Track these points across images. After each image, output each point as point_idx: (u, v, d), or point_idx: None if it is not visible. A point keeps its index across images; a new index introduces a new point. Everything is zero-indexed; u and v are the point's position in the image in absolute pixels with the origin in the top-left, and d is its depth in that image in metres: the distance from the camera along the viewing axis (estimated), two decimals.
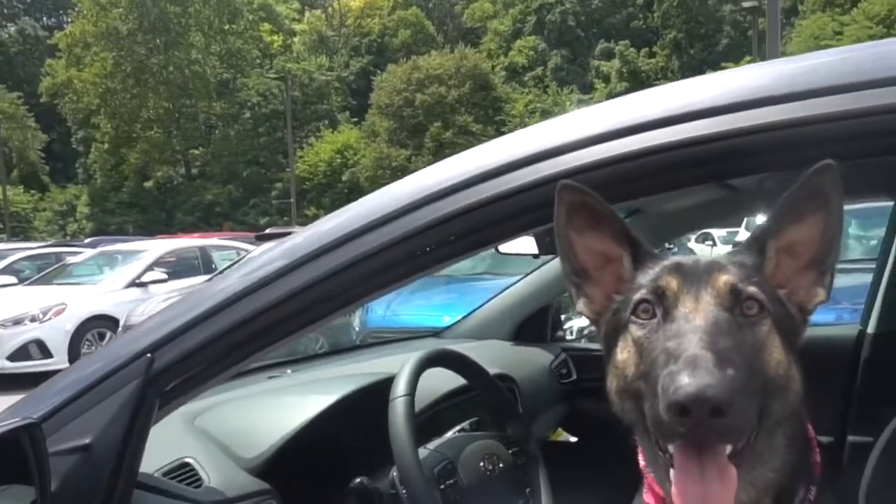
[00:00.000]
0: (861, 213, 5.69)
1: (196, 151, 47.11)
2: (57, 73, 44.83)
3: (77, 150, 49.20)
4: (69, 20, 49.78)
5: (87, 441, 1.10)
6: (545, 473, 1.83)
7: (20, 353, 9.07)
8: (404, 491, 1.47)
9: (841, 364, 2.21)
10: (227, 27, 45.60)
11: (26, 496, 1.04)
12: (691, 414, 0.70)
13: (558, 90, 48.54)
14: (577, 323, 3.46)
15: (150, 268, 10.45)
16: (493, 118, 44.29)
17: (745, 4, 19.95)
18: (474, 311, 2.78)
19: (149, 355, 1.12)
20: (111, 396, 1.12)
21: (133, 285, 10.10)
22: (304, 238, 1.14)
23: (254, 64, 47.35)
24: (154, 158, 45.15)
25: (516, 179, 1.02)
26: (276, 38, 52.17)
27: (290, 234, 1.30)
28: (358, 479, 1.53)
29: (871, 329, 2.26)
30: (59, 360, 8.92)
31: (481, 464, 1.68)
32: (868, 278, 2.51)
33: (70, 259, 12.50)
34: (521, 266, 3.28)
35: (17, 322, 9.21)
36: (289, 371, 2.12)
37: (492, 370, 1.93)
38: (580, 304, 0.95)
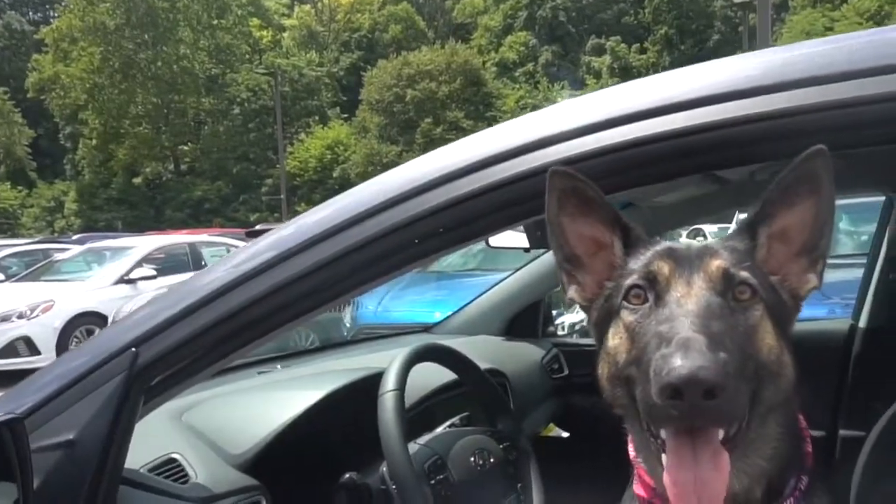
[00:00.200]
0: (852, 209, 5.73)
1: (185, 147, 46.86)
2: (44, 69, 44.47)
3: (65, 145, 48.84)
4: (56, 15, 49.46)
5: (70, 437, 1.09)
6: (536, 468, 1.83)
7: (7, 350, 9.05)
8: (394, 486, 1.47)
9: (832, 359, 2.22)
10: (215, 22, 45.31)
11: (9, 493, 1.03)
12: (684, 396, 0.70)
13: (549, 86, 48.62)
14: (568, 318, 3.46)
15: (138, 264, 10.44)
16: (484, 114, 44.30)
17: (736, 0, 20.02)
18: (465, 306, 2.78)
19: (133, 350, 1.11)
20: (95, 391, 1.11)
21: (122, 282, 10.09)
22: (291, 230, 1.13)
23: (243, 59, 47.09)
24: (143, 154, 44.86)
25: (505, 171, 1.01)
26: (265, 33, 51.88)
27: None
28: (347, 475, 1.53)
29: (862, 324, 2.27)
30: (47, 357, 8.86)
31: (472, 459, 1.67)
32: (859, 273, 2.52)
33: (58, 256, 12.48)
34: (512, 262, 3.27)
35: (5, 319, 9.20)
36: (278, 366, 2.11)
37: (483, 365, 1.93)
38: (571, 292, 0.94)
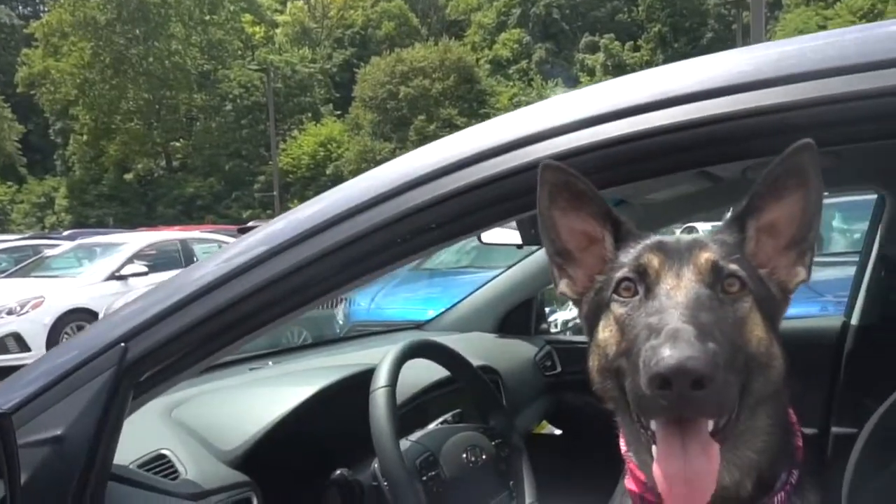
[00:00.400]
0: (844, 207, 5.76)
1: (177, 144, 46.66)
2: (33, 63, 44.11)
3: (55, 141, 48.52)
4: (45, 9, 49.07)
5: (58, 432, 1.08)
6: (529, 465, 1.83)
7: None
8: (385, 483, 1.47)
9: (825, 356, 2.23)
10: (207, 18, 45.10)
11: None
12: (673, 386, 0.71)
13: (543, 83, 48.62)
14: (561, 315, 3.46)
15: (129, 260, 10.41)
16: (478, 111, 44.26)
17: None
18: (458, 303, 2.78)
19: (122, 345, 1.10)
20: (84, 387, 1.10)
21: (112, 278, 10.06)
22: (282, 225, 1.13)
23: (235, 55, 46.90)
24: (134, 150, 44.65)
25: (497, 166, 1.01)
26: (257, 29, 51.68)
27: None
28: (339, 471, 1.53)
29: (854, 321, 2.28)
30: (37, 354, 8.77)
31: (464, 456, 1.68)
32: (852, 271, 2.53)
33: (48, 252, 12.40)
34: (505, 259, 3.28)
35: None
36: (270, 363, 2.10)
37: (475, 362, 1.93)
38: (562, 285, 0.95)
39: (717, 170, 1.37)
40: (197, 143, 45.98)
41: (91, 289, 9.82)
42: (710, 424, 0.78)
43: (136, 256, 10.59)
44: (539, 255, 2.52)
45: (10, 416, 1.05)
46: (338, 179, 40.03)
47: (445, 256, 7.58)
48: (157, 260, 10.83)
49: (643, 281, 0.84)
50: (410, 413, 1.77)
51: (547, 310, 3.04)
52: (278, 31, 53.90)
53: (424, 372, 1.89)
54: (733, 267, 0.84)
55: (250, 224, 15.27)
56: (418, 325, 2.84)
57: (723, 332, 0.77)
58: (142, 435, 1.37)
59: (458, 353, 1.84)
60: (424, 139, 38.79)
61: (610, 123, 0.96)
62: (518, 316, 2.69)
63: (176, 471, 1.36)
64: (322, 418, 1.65)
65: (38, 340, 9.13)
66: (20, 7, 56.75)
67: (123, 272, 10.14)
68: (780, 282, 0.89)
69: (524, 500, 1.79)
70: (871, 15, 39.24)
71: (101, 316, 8.86)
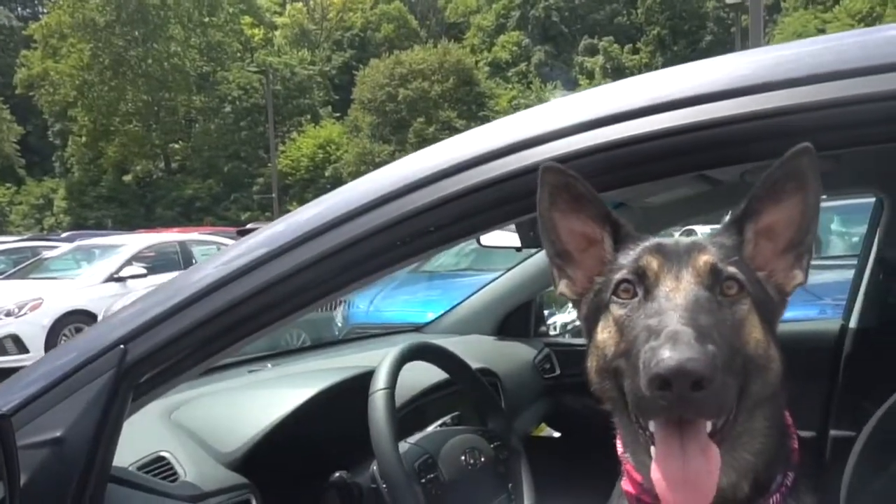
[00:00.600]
0: (843, 210, 5.78)
1: (176, 145, 46.66)
2: (32, 65, 44.13)
3: (54, 143, 48.51)
4: (45, 11, 49.12)
5: (58, 434, 1.08)
6: (528, 468, 1.83)
7: None
8: (384, 485, 1.47)
9: (823, 359, 2.24)
10: (206, 20, 45.14)
11: None
12: (672, 387, 0.71)
13: (542, 86, 48.72)
14: (560, 318, 3.47)
15: (128, 262, 10.40)
16: (477, 114, 44.30)
17: (729, 1, 20.14)
18: (457, 305, 2.78)
19: (122, 346, 1.10)
20: (83, 388, 1.10)
21: (111, 280, 10.05)
22: (282, 228, 1.13)
23: (234, 57, 46.94)
24: (133, 152, 44.65)
25: (497, 169, 1.01)
26: (256, 31, 51.74)
27: None
28: (337, 474, 1.53)
29: (853, 324, 2.29)
30: (36, 356, 8.78)
31: (462, 458, 1.68)
32: (850, 274, 2.53)
33: (47, 253, 12.40)
34: (504, 262, 3.28)
35: None
36: (269, 365, 2.10)
37: (474, 365, 1.93)
38: (562, 286, 0.95)
39: (715, 173, 1.38)
40: (196, 145, 45.99)
41: (90, 290, 9.81)
42: (709, 426, 0.79)
43: (135, 258, 10.58)
44: (538, 258, 2.52)
45: (10, 417, 1.05)
46: (336, 181, 40.09)
47: (444, 259, 7.59)
48: (156, 262, 10.84)
49: (642, 283, 0.85)
50: (409, 415, 1.77)
51: (546, 312, 3.05)
52: (277, 33, 53.97)
53: (423, 374, 1.89)
54: (732, 269, 0.84)
55: (249, 226, 15.28)
56: (417, 328, 2.84)
57: (721, 334, 0.78)
58: (141, 437, 1.38)
59: (457, 355, 1.84)
60: (423, 141, 38.85)
61: (609, 127, 0.96)
62: (517, 318, 2.69)
63: (175, 473, 1.36)
64: (321, 421, 1.65)
65: (36, 342, 9.11)
66: (19, 9, 56.76)
67: (122, 274, 10.13)
68: (777, 284, 0.90)
69: (523, 503, 1.79)
70: (869, 18, 39.35)
71: (99, 318, 8.83)
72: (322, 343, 3.18)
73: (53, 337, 9.23)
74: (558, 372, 2.62)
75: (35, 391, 1.11)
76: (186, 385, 1.56)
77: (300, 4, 56.71)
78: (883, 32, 0.92)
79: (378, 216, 1.06)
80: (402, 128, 43.64)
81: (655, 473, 0.78)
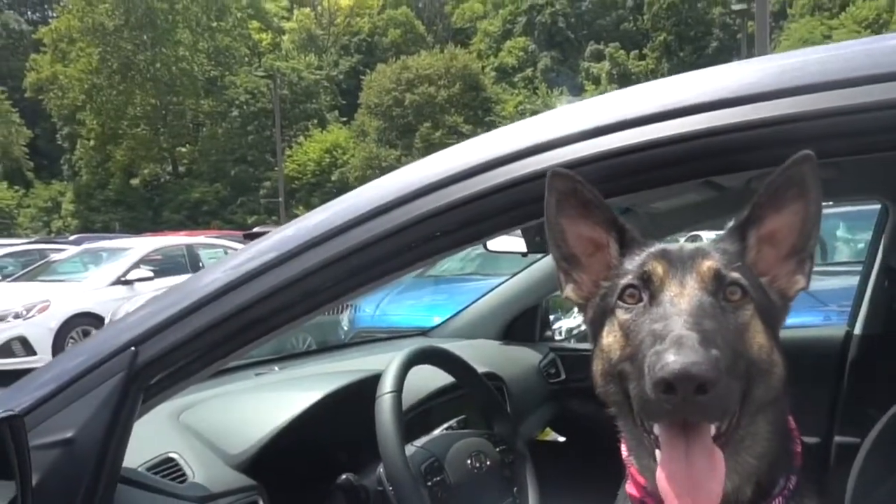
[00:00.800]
0: (849, 216, 5.77)
1: (183, 149, 46.86)
2: (42, 69, 44.44)
3: (62, 146, 48.76)
4: (54, 15, 49.44)
5: (69, 435, 1.09)
6: (533, 472, 1.84)
7: (3, 350, 9.03)
8: (391, 488, 1.48)
9: (828, 365, 2.23)
10: (214, 24, 45.37)
11: (6, 491, 1.03)
12: (677, 391, 0.72)
13: (548, 91, 48.70)
14: (565, 323, 3.46)
15: (135, 265, 10.43)
16: (483, 119, 44.34)
17: (735, 7, 20.14)
18: (463, 310, 2.78)
19: (133, 349, 1.11)
20: (94, 390, 1.11)
21: (118, 283, 10.08)
22: (291, 232, 1.14)
23: (242, 62, 47.13)
24: (141, 156, 44.87)
25: (504, 174, 1.02)
26: (264, 35, 51.97)
27: None
28: (344, 476, 1.54)
29: (857, 330, 2.28)
30: (43, 358, 8.85)
31: (468, 461, 1.68)
32: (856, 281, 2.53)
33: (54, 256, 12.44)
34: (509, 267, 3.28)
35: (1, 319, 9.17)
36: (276, 368, 2.11)
37: (480, 369, 1.93)
38: (568, 290, 0.96)
39: (721, 179, 1.38)
40: (203, 149, 46.17)
41: (97, 293, 9.84)
42: (713, 429, 0.80)
43: (142, 261, 10.60)
44: (543, 263, 2.52)
45: (22, 417, 1.06)
46: (343, 186, 40.19)
47: (450, 264, 7.59)
48: (163, 265, 10.86)
49: (647, 288, 0.86)
50: (416, 419, 1.78)
51: (551, 317, 3.04)
52: (285, 37, 54.15)
53: (430, 378, 1.90)
54: (735, 275, 0.85)
55: (256, 230, 15.29)
56: (423, 332, 2.84)
57: (725, 338, 0.79)
58: (150, 438, 1.39)
59: (464, 359, 1.85)
60: (430, 146, 38.89)
61: (615, 134, 0.97)
62: (523, 323, 2.70)
63: (184, 474, 1.37)
64: (328, 423, 1.66)
65: (43, 344, 9.14)
66: (29, 13, 57.12)
67: (129, 277, 10.15)
68: (780, 289, 0.91)
69: None
70: (875, 25, 39.24)
71: (106, 320, 8.89)
72: (328, 347, 3.19)
73: (60, 339, 9.27)
74: (563, 377, 2.62)
75: (47, 392, 1.12)
76: (195, 387, 1.57)
77: (308, 9, 56.91)
78: (889, 41, 0.93)
79: (386, 221, 1.07)
80: (408, 132, 43.69)
81: (660, 476, 0.79)
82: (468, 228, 1.06)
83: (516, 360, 2.52)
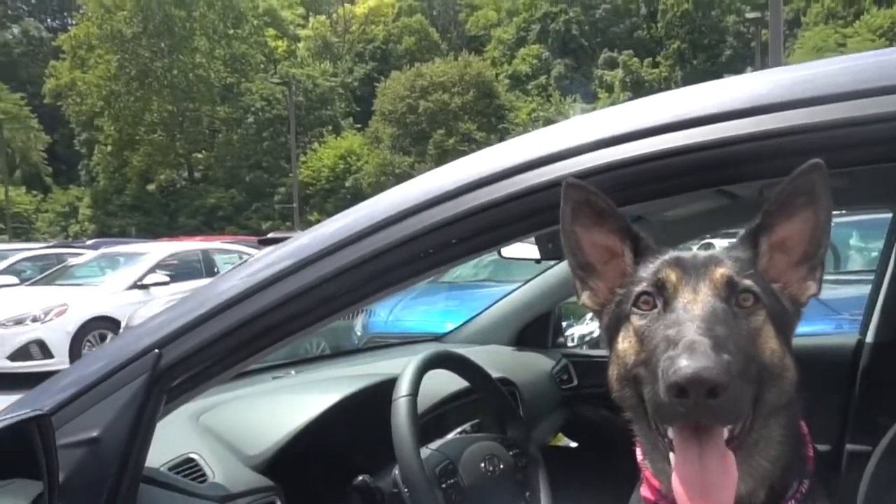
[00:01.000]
0: (862, 225, 5.72)
1: (199, 155, 47.21)
2: (61, 75, 44.97)
3: (80, 151, 49.26)
4: (73, 22, 50.01)
5: (94, 434, 1.11)
6: (545, 476, 1.85)
7: (21, 353, 9.09)
8: (406, 489, 1.49)
9: (840, 373, 2.23)
10: (231, 32, 45.77)
11: (31, 490, 1.05)
12: (689, 395, 0.74)
13: (561, 99, 48.64)
14: (578, 330, 3.46)
15: (152, 270, 10.48)
16: (497, 126, 44.37)
17: (749, 16, 20.08)
18: (476, 316, 2.80)
19: (157, 351, 1.14)
20: (119, 391, 1.13)
21: (135, 287, 10.13)
22: (309, 239, 1.16)
23: (258, 69, 47.49)
24: (157, 161, 45.25)
25: (518, 184, 1.04)
26: (280, 43, 52.33)
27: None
28: (360, 477, 1.55)
29: (869, 338, 2.28)
30: (60, 361, 8.92)
31: (482, 465, 1.70)
32: (868, 289, 2.52)
33: (72, 260, 12.52)
34: (522, 273, 3.29)
35: (19, 322, 9.25)
36: (293, 372, 2.14)
37: (493, 374, 1.94)
38: (584, 297, 0.98)
39: (734, 188, 1.40)
40: (219, 155, 46.48)
41: (114, 297, 9.90)
42: (726, 433, 0.81)
43: (159, 266, 10.66)
44: (556, 270, 2.54)
45: (50, 416, 1.09)
46: (357, 192, 40.26)
47: (463, 270, 7.60)
48: (179, 270, 10.89)
49: (661, 295, 0.87)
50: (430, 423, 1.79)
51: (564, 324, 3.05)
52: (300, 45, 54.48)
53: (444, 383, 1.91)
54: (747, 282, 0.87)
55: (270, 235, 15.35)
56: (436, 338, 2.85)
57: (737, 343, 0.80)
58: (171, 439, 1.40)
59: (478, 364, 1.86)
60: (443, 153, 38.91)
61: (628, 144, 0.99)
62: (535, 329, 2.70)
63: (204, 474, 1.40)
64: (344, 426, 1.68)
65: (61, 348, 9.21)
66: (49, 20, 57.79)
67: (146, 281, 10.21)
68: (792, 296, 0.92)
69: None
70: (890, 33, 38.88)
71: (123, 324, 8.95)
72: (344, 351, 3.22)
73: (78, 343, 9.33)
74: (576, 382, 2.63)
75: (73, 393, 1.15)
76: (214, 390, 1.60)
77: (323, 17, 57.22)
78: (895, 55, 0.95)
79: (401, 229, 1.08)
80: (422, 139, 43.76)
81: (674, 479, 0.81)
82: (483, 236, 1.08)
83: (529, 365, 2.52)
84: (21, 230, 40.62)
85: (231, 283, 1.17)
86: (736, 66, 43.23)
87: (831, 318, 3.75)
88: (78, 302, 9.68)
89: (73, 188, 49.45)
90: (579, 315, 3.46)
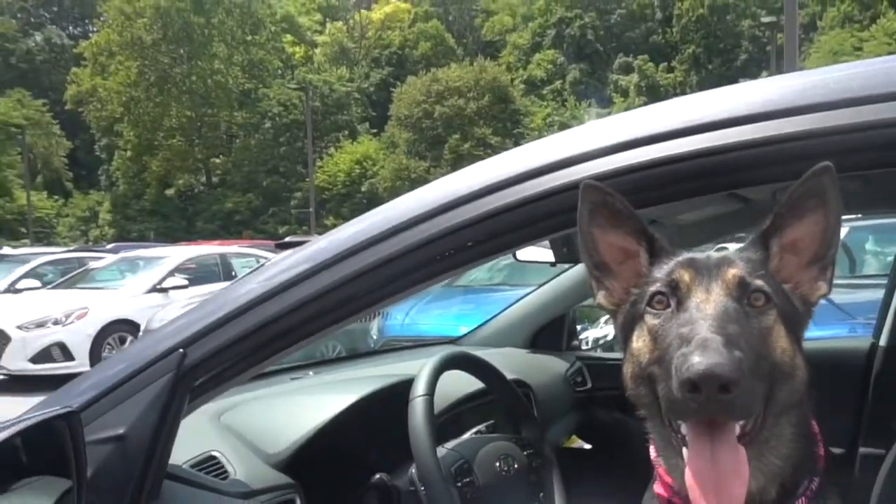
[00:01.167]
0: (879, 229, 5.67)
1: (217, 160, 47.57)
2: (82, 82, 45.48)
3: (100, 157, 49.78)
4: (94, 29, 50.59)
5: (121, 431, 1.14)
6: (559, 476, 1.87)
7: (43, 356, 9.22)
8: (422, 488, 1.51)
9: (853, 376, 2.22)
10: (249, 38, 46.09)
11: (58, 487, 1.07)
12: (702, 390, 0.76)
13: (577, 104, 48.51)
14: (592, 333, 3.47)
15: (171, 274, 10.58)
16: (512, 131, 44.32)
17: (764, 20, 19.95)
18: (491, 319, 2.81)
19: (181, 351, 1.16)
20: (145, 389, 1.16)
21: (154, 291, 10.24)
22: (326, 243, 1.18)
23: (275, 74, 47.80)
24: (176, 166, 45.63)
25: (532, 188, 1.06)
26: (297, 49, 52.64)
27: (308, 242, 1.34)
28: (377, 476, 1.58)
29: (883, 342, 2.27)
30: (81, 363, 9.03)
31: (497, 464, 1.72)
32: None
33: (92, 264, 12.66)
34: (536, 278, 3.30)
35: (40, 325, 9.37)
36: (311, 373, 2.17)
37: (508, 376, 1.96)
38: (600, 296, 1.00)
39: (746, 191, 1.41)
40: (236, 160, 46.78)
41: (133, 301, 10.00)
42: (738, 429, 0.83)
43: (177, 270, 10.75)
44: (571, 274, 2.55)
45: (79, 413, 1.11)
46: (373, 196, 40.36)
47: (479, 274, 7.61)
48: (197, 273, 10.99)
49: (675, 294, 0.90)
50: (446, 423, 1.81)
51: (578, 327, 3.06)
52: (317, 50, 54.74)
53: (460, 385, 1.94)
54: (759, 283, 0.89)
55: (287, 239, 15.43)
56: (451, 341, 2.87)
57: (748, 342, 0.82)
58: (193, 437, 1.43)
59: (493, 365, 1.88)
60: (458, 158, 38.89)
61: (645, 148, 1.01)
62: (550, 333, 2.72)
63: (225, 471, 1.43)
64: (362, 425, 1.71)
65: (81, 350, 9.32)
66: (70, 27, 58.53)
67: (165, 285, 10.31)
68: (803, 296, 0.94)
69: None
70: None
71: (142, 327, 9.04)
72: (361, 353, 3.25)
73: (98, 345, 9.45)
74: (590, 385, 2.64)
75: (100, 391, 1.17)
76: (234, 391, 1.63)
77: (340, 23, 57.48)
78: None
79: (416, 233, 1.10)
80: (437, 144, 43.79)
81: (687, 473, 0.83)
82: (499, 238, 1.10)
83: (543, 368, 2.54)
84: (43, 234, 41.10)
85: (251, 286, 1.19)
86: (751, 70, 42.80)
87: (846, 323, 3.73)
88: (98, 305, 9.80)
89: (93, 193, 49.96)
90: (594, 318, 3.47)
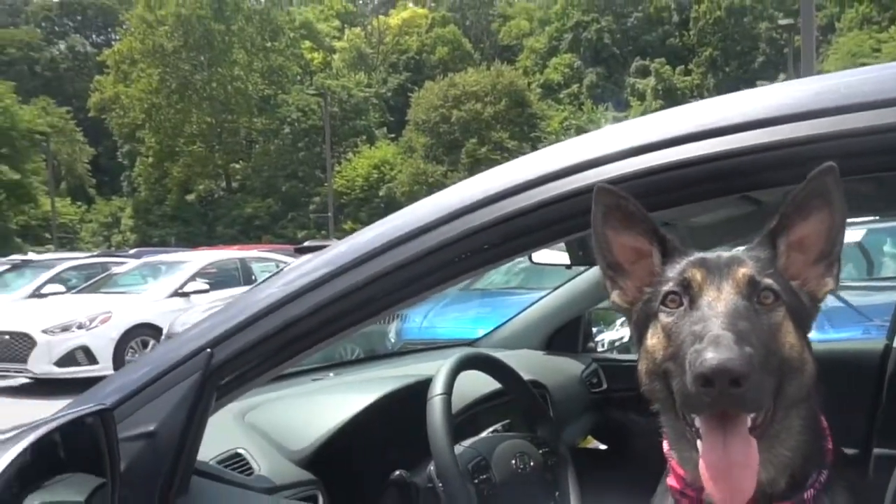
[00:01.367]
0: None
1: (237, 165, 47.96)
2: (105, 89, 46.16)
3: (122, 163, 50.41)
4: (117, 38, 51.31)
5: (151, 428, 1.18)
6: (574, 475, 1.89)
7: (67, 359, 9.34)
8: (440, 484, 1.55)
9: (867, 378, 2.22)
10: (268, 45, 46.49)
11: (89, 483, 1.11)
12: (715, 384, 0.80)
13: (593, 107, 48.39)
14: (608, 335, 3.49)
15: (192, 278, 10.67)
16: (529, 135, 44.25)
17: (781, 22, 19.77)
18: (507, 321, 2.84)
19: (208, 350, 1.20)
20: (174, 388, 1.20)
21: (176, 295, 10.34)
22: (346, 247, 1.22)
23: (294, 80, 48.11)
24: (196, 172, 46.05)
25: (549, 191, 1.09)
26: (316, 55, 52.98)
27: (327, 246, 1.37)
28: (397, 472, 1.62)
29: None
30: (105, 367, 9.14)
31: (513, 462, 1.75)
32: None
33: (115, 269, 12.77)
34: (553, 280, 3.33)
35: (65, 329, 9.49)
36: (331, 374, 2.21)
37: (524, 376, 1.99)
38: (614, 296, 1.04)
39: (759, 194, 1.43)
40: (256, 165, 47.13)
41: (156, 305, 10.11)
42: (749, 421, 0.87)
43: (198, 274, 10.83)
44: (586, 276, 2.57)
45: (112, 411, 1.16)
46: (390, 201, 40.42)
47: (495, 277, 7.64)
48: (218, 278, 11.08)
49: (687, 293, 0.93)
50: (464, 422, 1.85)
51: (594, 329, 3.08)
52: (336, 56, 55.06)
53: (477, 385, 1.97)
54: (768, 281, 0.92)
55: (306, 244, 15.52)
56: (469, 343, 2.89)
57: (759, 338, 0.86)
58: (219, 435, 1.47)
59: (510, 366, 1.91)
60: (476, 162, 38.87)
61: (658, 152, 1.04)
62: (566, 334, 2.74)
63: (250, 468, 1.47)
64: (382, 423, 1.75)
65: (105, 354, 9.43)
66: (94, 36, 59.39)
67: (186, 289, 10.40)
68: (810, 292, 0.97)
69: None
70: None
71: (164, 331, 9.13)
72: (380, 355, 3.29)
73: (121, 349, 9.54)
74: (605, 386, 2.66)
75: (132, 389, 1.21)
76: (258, 391, 1.68)
77: (358, 29, 57.81)
78: None
79: (435, 236, 1.13)
80: (455, 148, 43.82)
81: (701, 464, 0.87)
82: (515, 241, 1.13)
83: (559, 369, 2.56)
84: (66, 240, 41.68)
85: (273, 289, 1.23)
86: (769, 72, 42.38)
87: (862, 325, 3.71)
88: (121, 309, 9.92)
89: (115, 199, 50.56)
90: (609, 321, 3.48)
